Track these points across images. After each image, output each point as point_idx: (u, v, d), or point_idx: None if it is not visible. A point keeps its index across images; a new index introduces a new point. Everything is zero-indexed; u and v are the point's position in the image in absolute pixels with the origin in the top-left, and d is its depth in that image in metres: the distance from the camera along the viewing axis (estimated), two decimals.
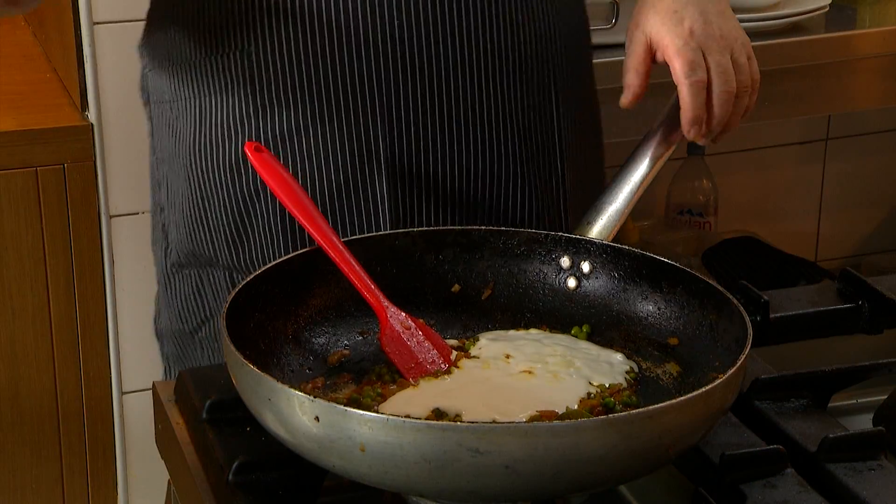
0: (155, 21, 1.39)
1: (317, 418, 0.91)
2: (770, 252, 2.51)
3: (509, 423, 0.97)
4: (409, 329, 1.10)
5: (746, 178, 2.63)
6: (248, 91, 1.29)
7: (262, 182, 1.25)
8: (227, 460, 1.02)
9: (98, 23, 1.99)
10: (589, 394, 1.06)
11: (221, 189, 1.32)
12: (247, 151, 1.15)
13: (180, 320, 1.41)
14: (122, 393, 2.12)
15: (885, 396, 1.17)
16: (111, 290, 2.07)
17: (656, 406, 0.92)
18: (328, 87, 1.27)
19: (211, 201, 1.34)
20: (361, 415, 0.89)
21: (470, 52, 1.29)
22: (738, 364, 0.97)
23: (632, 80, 1.26)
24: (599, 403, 1.04)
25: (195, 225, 1.36)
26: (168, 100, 1.37)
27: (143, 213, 2.09)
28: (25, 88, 2.13)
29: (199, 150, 1.33)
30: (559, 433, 0.88)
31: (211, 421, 1.08)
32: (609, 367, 1.10)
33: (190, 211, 1.36)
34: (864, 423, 1.15)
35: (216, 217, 1.34)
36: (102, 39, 2.00)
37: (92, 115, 2.02)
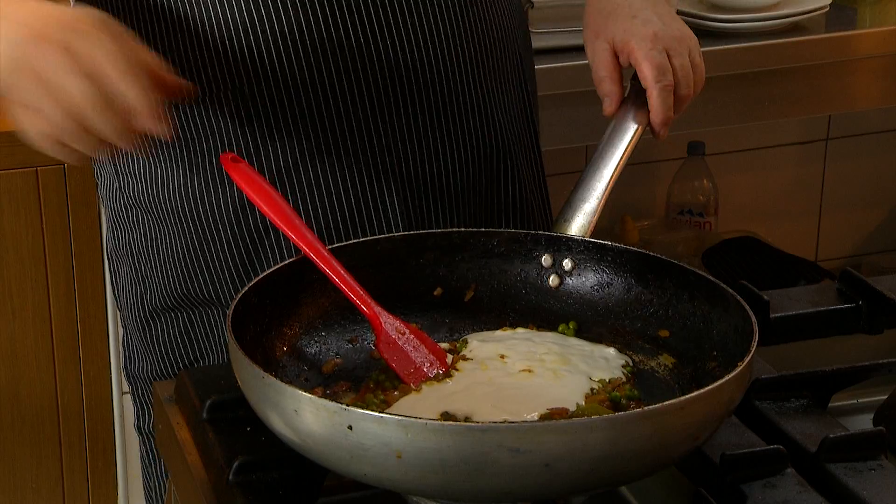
0: None
1: (350, 427, 0.90)
2: (770, 252, 2.51)
3: (549, 421, 0.97)
4: (404, 334, 1.10)
5: (747, 178, 2.63)
6: (245, 129, 1.25)
7: (265, 217, 1.23)
8: (228, 460, 1.02)
9: None
10: (592, 389, 1.06)
11: (226, 230, 1.28)
12: (223, 163, 1.13)
13: (162, 364, 1.36)
14: (122, 392, 2.12)
15: (886, 396, 1.17)
16: (111, 290, 2.07)
17: (686, 397, 0.92)
18: (329, 114, 1.25)
19: (213, 244, 1.29)
20: (399, 420, 0.88)
21: (455, 55, 1.29)
22: (743, 364, 0.97)
23: (609, 88, 1.27)
24: (606, 398, 1.04)
25: (191, 268, 1.31)
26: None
27: None
28: None
29: (194, 195, 1.28)
30: (597, 428, 0.88)
31: (211, 421, 1.08)
32: (605, 362, 1.10)
33: (183, 255, 1.31)
34: (865, 423, 1.15)
35: (219, 258, 1.30)
36: None
37: None
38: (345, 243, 1.17)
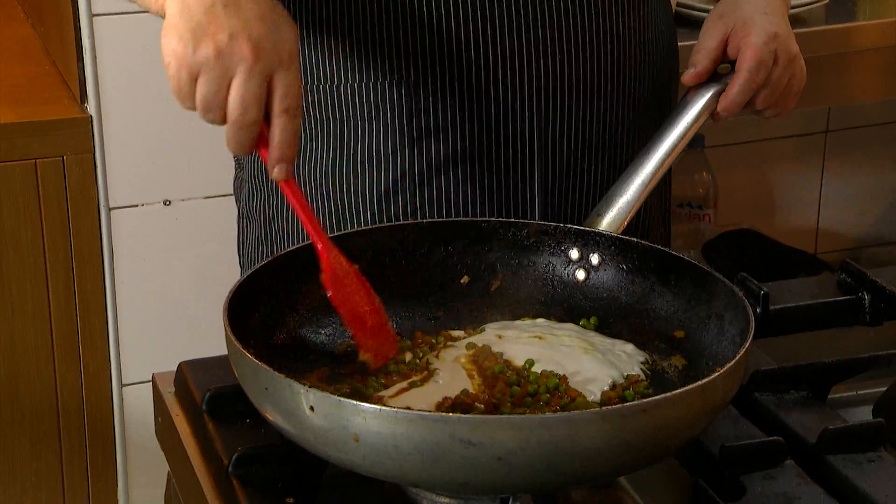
0: None
1: (312, 408, 0.91)
2: (770, 245, 2.51)
3: (501, 415, 0.97)
4: (349, 274, 1.08)
5: (746, 170, 2.63)
6: (404, 120, 1.28)
7: (413, 209, 1.27)
8: (227, 452, 1.02)
9: (97, 15, 1.99)
10: (613, 382, 1.05)
11: (365, 218, 1.30)
12: None
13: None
14: (121, 385, 2.12)
15: (885, 388, 1.17)
16: (110, 283, 2.07)
17: (650, 399, 0.92)
18: (487, 115, 1.27)
19: (349, 224, 1.31)
20: (355, 405, 0.89)
21: (609, 68, 1.30)
22: (735, 359, 0.96)
23: (701, 59, 1.27)
24: (618, 396, 1.04)
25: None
26: None
27: (143, 205, 2.09)
28: (24, 81, 2.13)
29: (340, 176, 1.31)
30: (551, 426, 0.88)
31: (210, 413, 1.08)
32: (626, 356, 1.10)
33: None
34: (864, 414, 1.15)
35: None
36: (102, 31, 2.00)
37: (91, 108, 2.01)
38: (371, 227, 1.18)
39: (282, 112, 1.04)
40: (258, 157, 1.40)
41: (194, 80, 1.05)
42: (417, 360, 1.09)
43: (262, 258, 1.40)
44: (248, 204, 1.43)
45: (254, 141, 1.05)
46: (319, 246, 1.07)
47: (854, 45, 2.21)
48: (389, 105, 1.28)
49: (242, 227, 1.47)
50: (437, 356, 1.10)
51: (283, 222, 1.37)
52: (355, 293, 1.08)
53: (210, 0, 1.05)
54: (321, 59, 1.30)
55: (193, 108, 1.07)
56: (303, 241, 1.32)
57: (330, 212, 1.32)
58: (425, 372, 1.07)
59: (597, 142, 1.32)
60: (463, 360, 1.09)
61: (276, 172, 1.05)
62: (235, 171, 1.48)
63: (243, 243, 1.47)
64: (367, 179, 1.30)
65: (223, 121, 1.05)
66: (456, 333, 1.14)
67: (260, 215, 1.40)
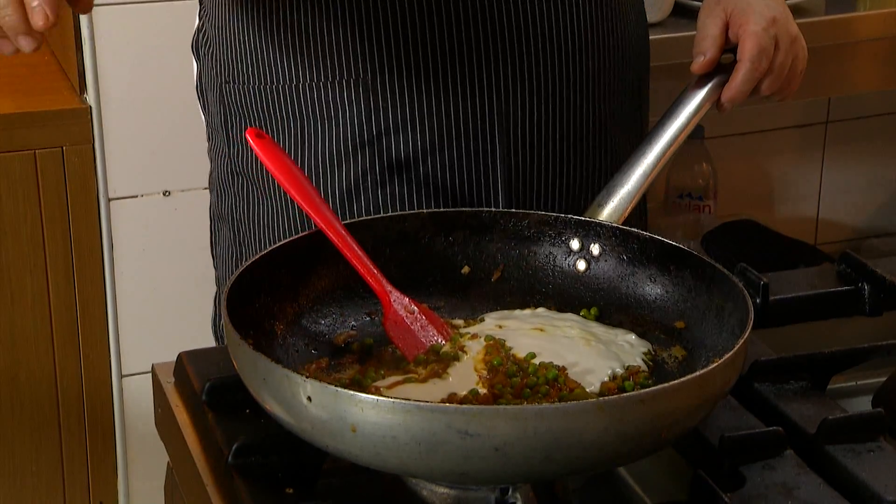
0: (227, 30, 1.34)
1: (309, 399, 0.91)
2: (770, 235, 2.51)
3: (498, 406, 0.97)
4: (413, 314, 1.10)
5: (746, 161, 2.63)
6: (363, 118, 1.27)
7: (375, 208, 1.27)
8: (227, 442, 1.02)
9: (97, 5, 1.98)
10: (612, 374, 1.05)
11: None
12: (248, 137, 1.15)
13: None
14: (121, 376, 2.12)
15: (885, 378, 1.17)
16: (110, 273, 2.07)
17: (647, 390, 0.92)
18: (447, 112, 1.27)
19: (311, 227, 1.32)
20: (352, 396, 0.89)
21: (573, 62, 1.30)
22: (733, 350, 0.96)
23: (707, 46, 1.26)
24: (617, 387, 1.04)
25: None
26: (255, 118, 1.33)
27: (142, 195, 2.09)
28: (24, 71, 2.13)
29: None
30: (548, 416, 0.88)
31: (210, 403, 1.08)
32: (629, 346, 1.10)
33: (284, 229, 1.33)
34: (864, 405, 1.15)
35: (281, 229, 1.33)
36: (101, 22, 1.99)
37: (91, 98, 2.01)
38: (370, 218, 1.18)
39: None
40: (222, 158, 1.40)
41: None
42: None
43: (233, 260, 1.40)
44: (218, 205, 1.43)
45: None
46: (383, 296, 1.10)
47: (854, 35, 2.20)
48: (348, 104, 1.27)
49: (214, 229, 1.46)
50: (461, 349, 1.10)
51: (250, 224, 1.37)
52: (413, 335, 1.09)
53: None
54: (279, 58, 1.29)
55: None
56: (271, 243, 1.32)
57: (293, 207, 1.32)
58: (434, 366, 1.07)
59: (560, 136, 1.31)
60: (477, 360, 1.08)
61: (27, 43, 1.05)
62: (210, 171, 1.47)
63: (215, 244, 1.46)
64: (328, 179, 1.30)
65: None
66: (455, 322, 1.14)
67: (228, 217, 1.40)
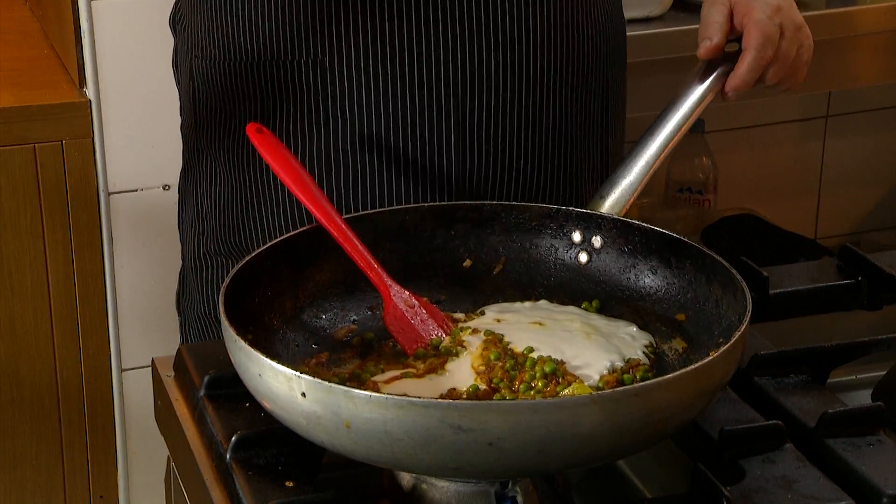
0: (197, 4, 1.35)
1: (303, 394, 0.91)
2: (770, 229, 2.51)
3: (491, 400, 0.97)
4: (413, 307, 1.10)
5: (746, 155, 2.63)
6: (318, 100, 1.28)
7: (328, 192, 1.26)
8: (226, 436, 1.02)
9: None
10: (612, 365, 1.05)
11: (282, 199, 1.30)
12: (248, 134, 1.15)
13: (208, 304, 1.40)
14: (121, 370, 2.12)
15: (884, 372, 1.17)
16: (110, 267, 2.07)
17: (642, 384, 0.91)
18: (402, 100, 1.26)
19: (271, 204, 1.32)
20: (345, 391, 0.89)
21: (536, 54, 1.29)
22: (729, 343, 0.96)
23: (712, 32, 1.25)
24: (616, 380, 1.04)
25: (246, 222, 1.34)
26: (218, 93, 1.34)
27: (142, 189, 2.08)
28: (23, 65, 2.13)
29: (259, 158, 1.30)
30: (542, 411, 0.87)
31: (210, 397, 1.08)
32: (631, 339, 1.10)
33: (242, 208, 1.34)
34: (863, 398, 1.15)
35: (275, 217, 1.32)
36: (100, 14, 1.99)
37: (90, 92, 2.01)
38: (370, 212, 1.18)
39: None
40: (189, 132, 1.41)
41: None
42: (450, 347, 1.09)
43: (196, 236, 1.41)
44: (184, 179, 1.44)
45: None
46: (383, 291, 1.10)
47: (855, 28, 2.20)
48: (305, 85, 1.27)
49: (181, 204, 1.46)
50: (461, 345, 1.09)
51: (210, 200, 1.37)
52: (413, 329, 1.09)
53: None
54: (244, 35, 1.29)
55: None
56: (230, 219, 1.34)
57: (252, 185, 1.32)
58: (433, 360, 1.07)
59: (517, 128, 1.30)
60: (475, 356, 1.08)
61: None
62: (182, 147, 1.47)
63: (182, 219, 1.47)
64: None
65: None
66: (456, 316, 1.14)
67: (192, 192, 1.41)
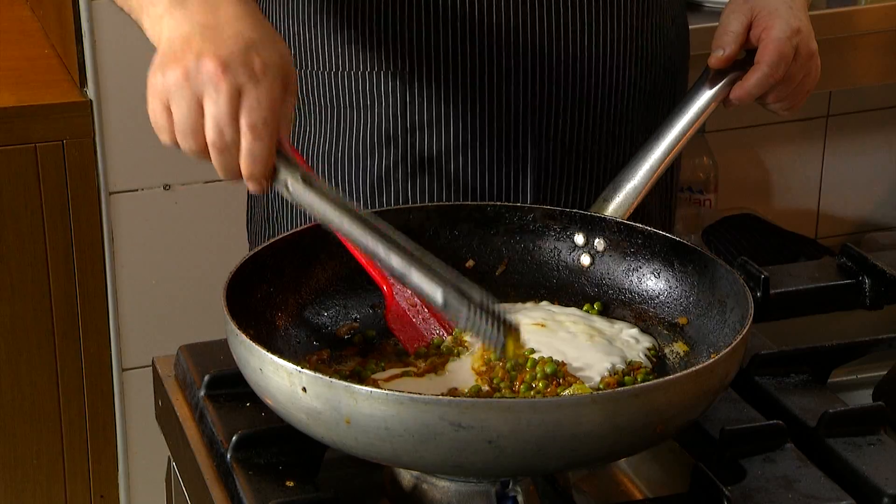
0: (269, 14, 1.34)
1: (304, 389, 0.91)
2: (770, 229, 2.51)
3: (491, 398, 0.97)
4: (415, 306, 1.10)
5: (747, 155, 2.63)
6: (398, 110, 1.27)
7: (405, 199, 1.27)
8: (226, 435, 1.02)
9: None
10: (614, 367, 1.05)
11: (357, 204, 1.30)
12: None
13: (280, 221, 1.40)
14: (122, 369, 2.12)
15: (885, 372, 1.17)
16: (111, 267, 2.07)
17: (642, 385, 0.91)
18: (482, 107, 1.26)
19: (277, 202, 1.33)
20: (346, 387, 0.89)
21: (610, 57, 1.29)
22: (730, 346, 0.96)
23: (728, 41, 1.26)
24: (617, 382, 1.04)
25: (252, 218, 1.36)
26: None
27: (143, 189, 2.08)
28: (24, 65, 2.13)
29: (334, 162, 1.31)
30: (541, 409, 0.88)
31: (210, 396, 1.08)
32: (633, 341, 1.10)
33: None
34: (864, 398, 1.15)
35: (281, 216, 1.34)
36: (101, 15, 1.99)
37: (91, 91, 2.01)
38: (375, 210, 1.18)
39: (246, 129, 0.97)
40: None
41: (168, 108, 1.00)
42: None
43: (265, 238, 1.41)
44: None
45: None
46: (385, 289, 1.10)
47: (856, 28, 2.20)
48: (384, 95, 1.28)
49: (250, 206, 1.47)
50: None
51: (282, 204, 1.37)
52: (414, 328, 1.10)
53: (189, 30, 1.00)
54: (320, 45, 1.29)
55: (174, 142, 1.00)
56: (303, 223, 1.32)
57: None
58: (433, 360, 1.07)
59: (595, 132, 1.31)
60: (475, 356, 1.08)
61: (249, 187, 1.00)
62: None
63: (251, 220, 1.47)
64: (360, 167, 1.30)
65: (203, 148, 0.99)
66: None
67: (262, 196, 1.41)
